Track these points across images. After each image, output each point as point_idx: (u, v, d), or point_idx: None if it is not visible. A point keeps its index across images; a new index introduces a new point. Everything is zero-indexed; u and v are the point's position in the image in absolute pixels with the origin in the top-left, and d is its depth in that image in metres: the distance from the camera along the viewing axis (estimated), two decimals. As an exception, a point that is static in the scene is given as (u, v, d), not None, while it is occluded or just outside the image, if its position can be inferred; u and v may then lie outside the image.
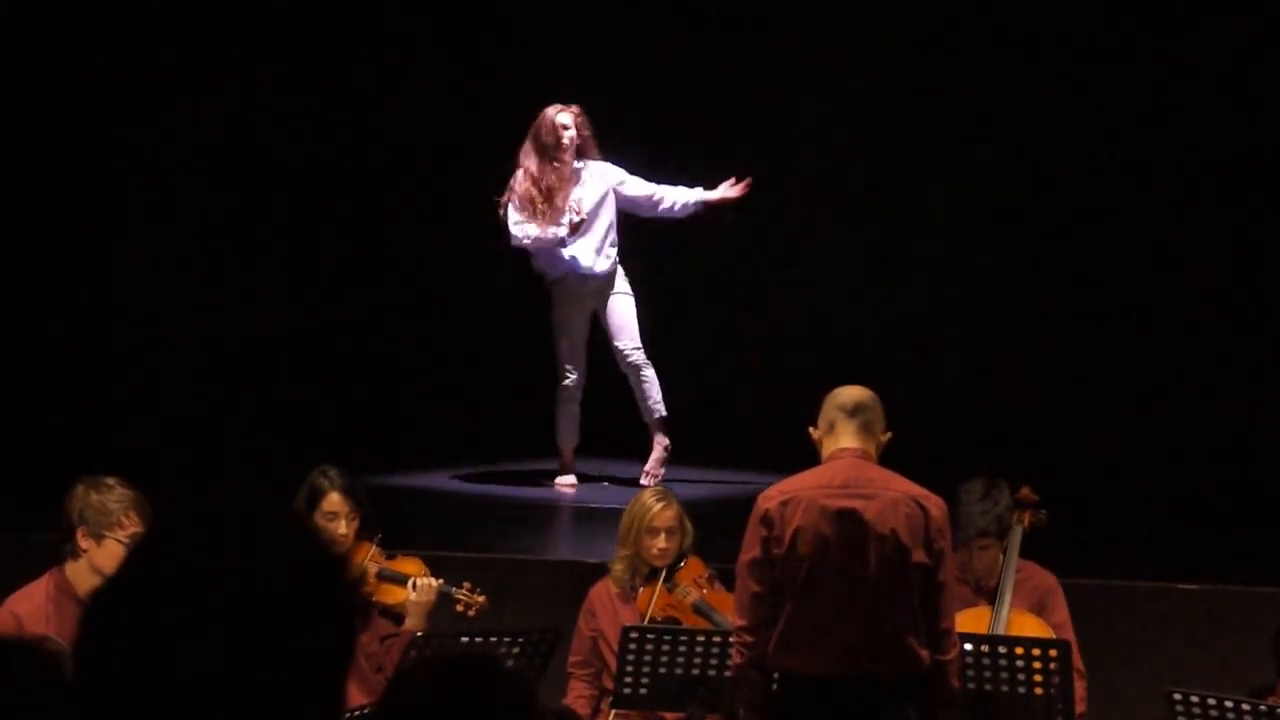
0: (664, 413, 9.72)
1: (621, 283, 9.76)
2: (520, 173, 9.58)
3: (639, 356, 9.69)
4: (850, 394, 6.17)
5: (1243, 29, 10.92)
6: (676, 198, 9.66)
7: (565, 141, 9.54)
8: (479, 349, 11.48)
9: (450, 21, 11.66)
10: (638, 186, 9.68)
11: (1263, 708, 6.11)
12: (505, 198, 9.62)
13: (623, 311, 9.72)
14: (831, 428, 6.15)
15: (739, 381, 11.27)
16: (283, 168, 11.51)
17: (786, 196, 11.33)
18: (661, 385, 9.74)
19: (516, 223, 9.57)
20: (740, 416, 10.94)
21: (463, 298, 11.58)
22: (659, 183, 9.75)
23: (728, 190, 9.65)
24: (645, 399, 9.73)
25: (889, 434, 6.19)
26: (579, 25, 11.48)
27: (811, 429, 6.21)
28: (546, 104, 9.76)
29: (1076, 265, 11.22)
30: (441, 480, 10.29)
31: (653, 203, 9.69)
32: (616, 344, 9.71)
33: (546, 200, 9.51)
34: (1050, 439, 10.58)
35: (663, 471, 9.73)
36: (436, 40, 11.66)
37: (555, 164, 9.52)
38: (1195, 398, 10.89)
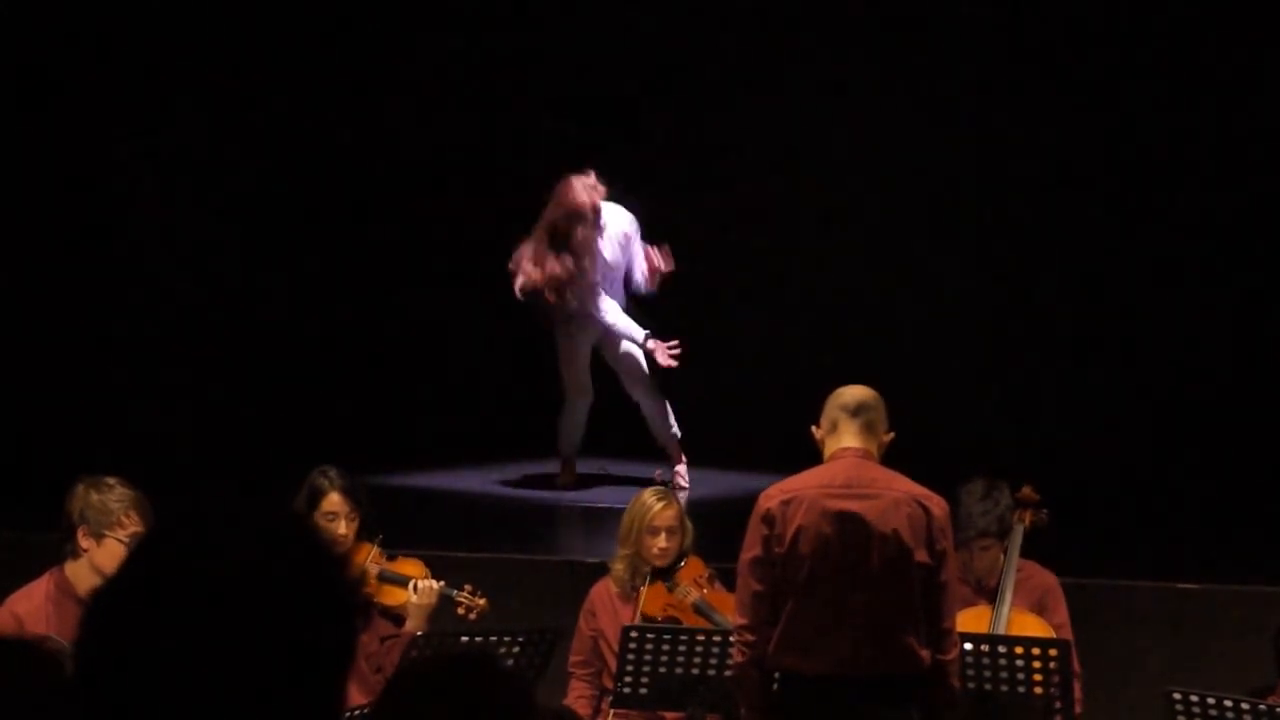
0: (678, 433, 9.75)
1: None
2: (530, 265, 9.42)
3: (650, 398, 9.68)
4: (853, 394, 6.17)
5: (1245, 36, 10.93)
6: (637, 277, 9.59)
7: (595, 222, 9.43)
8: (480, 349, 11.47)
9: (453, 22, 11.65)
10: (637, 249, 9.59)
11: (1262, 707, 6.11)
12: (519, 271, 9.48)
13: (629, 355, 9.68)
14: (834, 427, 6.14)
15: (741, 381, 11.26)
16: (285, 167, 11.50)
17: (788, 197, 11.33)
18: (663, 384, 9.73)
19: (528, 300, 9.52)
20: (742, 416, 10.93)
21: (464, 297, 11.57)
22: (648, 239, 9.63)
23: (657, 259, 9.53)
24: (657, 428, 9.75)
25: (891, 434, 6.19)
26: (581, 26, 11.48)
27: (814, 428, 6.21)
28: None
29: (1078, 265, 11.21)
30: (441, 480, 10.29)
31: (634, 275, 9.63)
32: (627, 390, 9.73)
33: (559, 298, 9.47)
34: (1050, 439, 10.58)
35: (686, 481, 9.77)
36: (437, 40, 11.65)
37: (576, 250, 9.41)
38: (1196, 398, 10.88)
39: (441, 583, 6.96)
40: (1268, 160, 10.90)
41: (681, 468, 9.78)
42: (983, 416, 10.84)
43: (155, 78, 11.36)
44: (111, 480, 6.03)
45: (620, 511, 7.40)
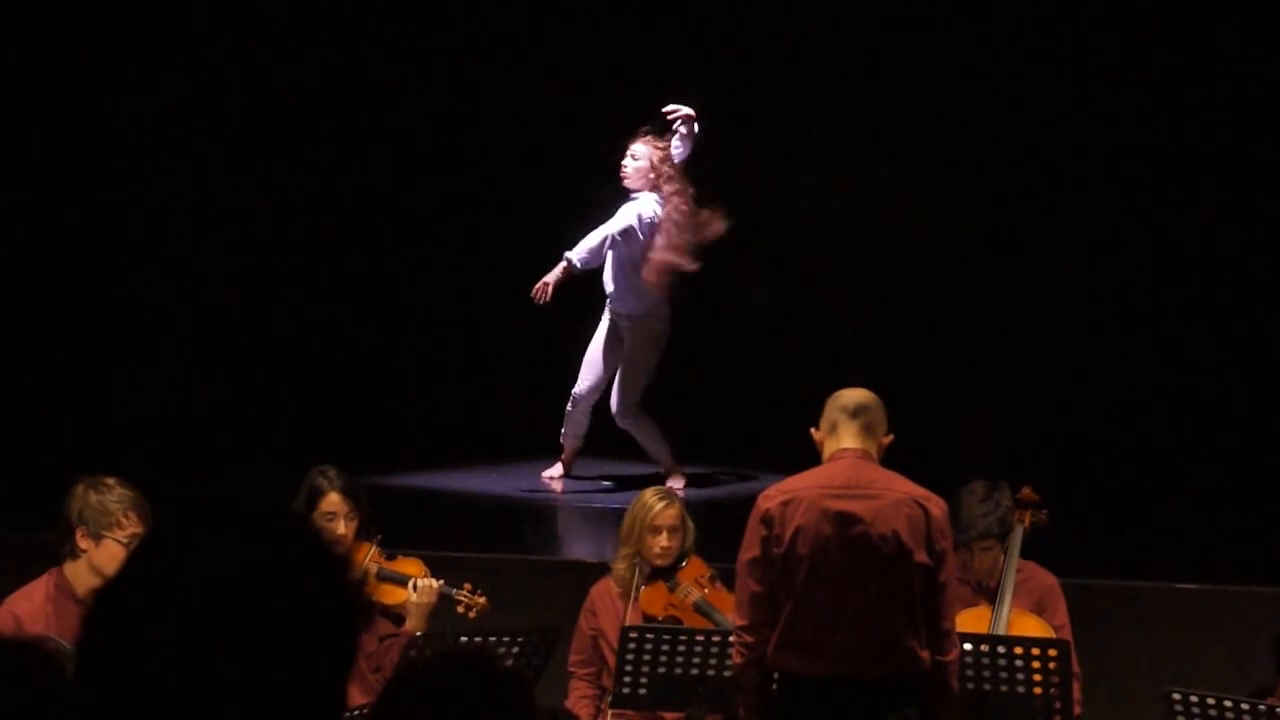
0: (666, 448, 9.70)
1: (644, 327, 9.63)
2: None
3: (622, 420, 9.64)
4: (852, 395, 6.18)
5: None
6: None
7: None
8: (480, 349, 11.48)
9: (450, 26, 11.65)
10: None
11: (1262, 707, 6.10)
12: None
13: (624, 366, 9.64)
14: (833, 428, 6.14)
15: (741, 381, 11.27)
16: (283, 168, 11.51)
17: (787, 197, 11.33)
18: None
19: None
20: (742, 416, 10.94)
21: (464, 297, 11.58)
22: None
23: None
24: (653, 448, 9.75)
25: (890, 436, 6.18)
26: (589, 23, 11.49)
27: (813, 430, 6.21)
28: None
29: (1078, 266, 11.22)
30: (441, 480, 10.28)
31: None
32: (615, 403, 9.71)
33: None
34: (1050, 439, 10.58)
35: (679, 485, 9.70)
36: (435, 43, 11.66)
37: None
38: (1196, 398, 10.89)
39: (441, 581, 6.95)
40: (1270, 161, 10.92)
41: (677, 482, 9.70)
42: (983, 417, 10.84)
43: (158, 74, 11.37)
44: (111, 481, 6.02)
45: (620, 511, 7.40)
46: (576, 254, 9.39)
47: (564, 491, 9.86)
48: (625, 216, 9.42)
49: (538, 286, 9.39)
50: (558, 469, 9.94)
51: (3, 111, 11.23)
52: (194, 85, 11.42)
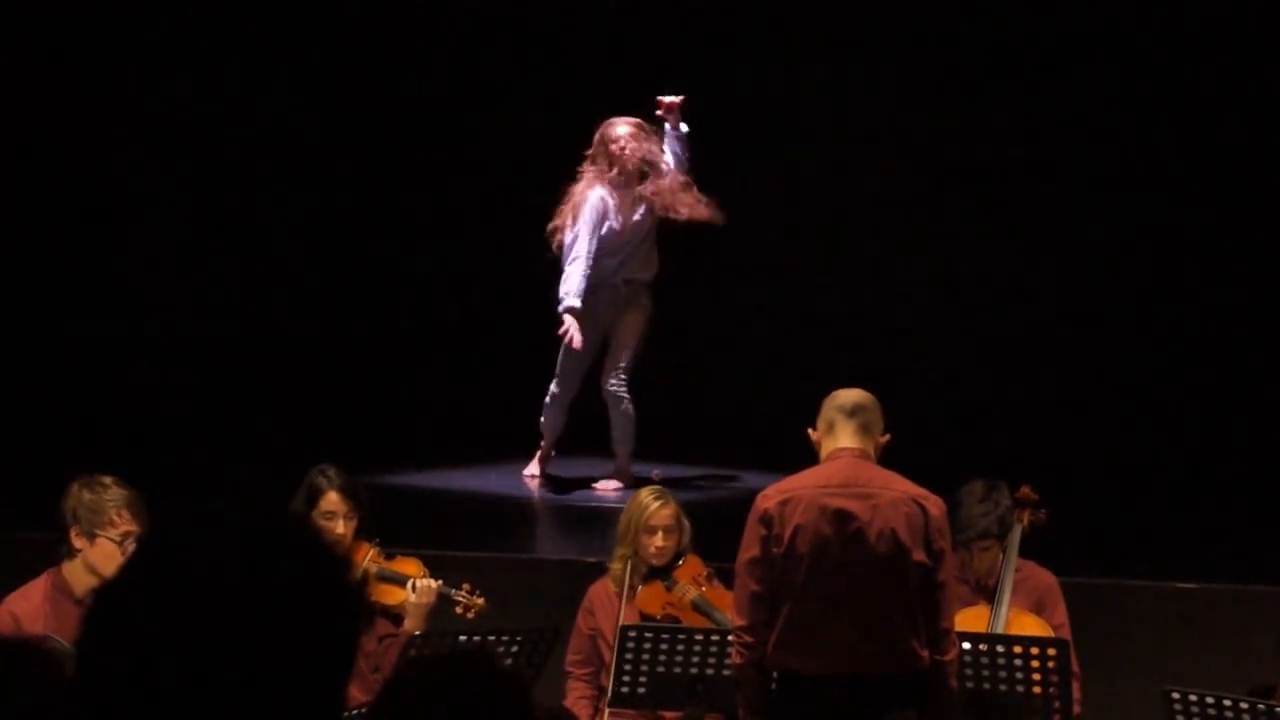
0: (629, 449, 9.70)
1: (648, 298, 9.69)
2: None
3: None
4: (849, 395, 6.19)
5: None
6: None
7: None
8: (479, 348, 11.47)
9: (444, 24, 11.66)
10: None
11: (1261, 707, 6.11)
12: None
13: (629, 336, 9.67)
14: (830, 428, 6.15)
15: (738, 381, 11.26)
16: (283, 168, 11.51)
17: (787, 197, 11.33)
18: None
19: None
20: (740, 416, 10.93)
21: (463, 297, 11.58)
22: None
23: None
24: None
25: (887, 436, 6.19)
26: (588, 24, 11.49)
27: (810, 430, 6.22)
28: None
29: (1076, 264, 11.21)
30: (441, 480, 10.28)
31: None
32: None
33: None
34: (1050, 439, 10.58)
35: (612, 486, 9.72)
36: (431, 42, 11.66)
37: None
38: (1196, 397, 10.89)
39: (439, 582, 6.95)
40: (1272, 162, 10.93)
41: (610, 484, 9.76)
42: (982, 417, 10.84)
43: (159, 74, 11.37)
44: (107, 479, 6.02)
45: (618, 511, 7.40)
46: (571, 297, 9.38)
47: (557, 489, 9.86)
48: (583, 223, 9.41)
49: (567, 339, 9.37)
50: (535, 467, 9.95)
51: (5, 108, 11.23)
52: (195, 86, 11.42)
